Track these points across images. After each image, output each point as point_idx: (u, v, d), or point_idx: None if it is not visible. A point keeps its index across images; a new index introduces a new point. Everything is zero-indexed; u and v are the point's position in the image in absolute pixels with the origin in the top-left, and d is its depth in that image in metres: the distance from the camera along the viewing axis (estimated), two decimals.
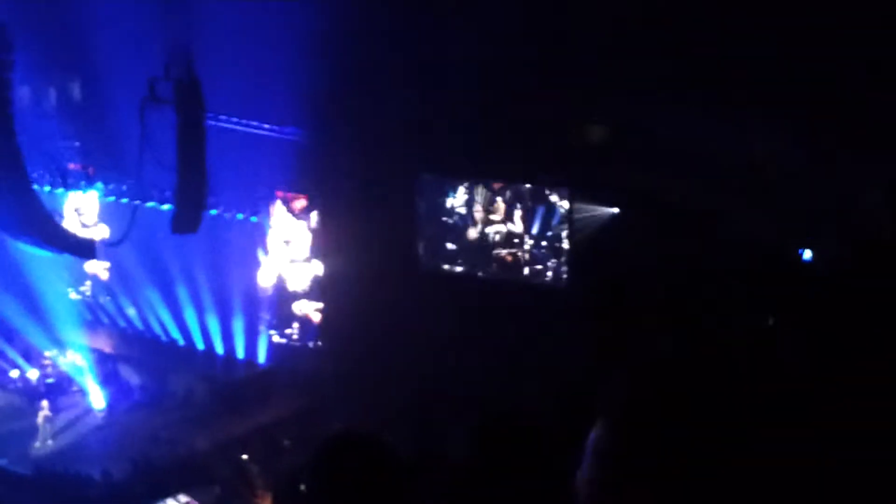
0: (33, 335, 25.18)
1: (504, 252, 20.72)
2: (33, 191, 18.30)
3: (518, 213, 20.39)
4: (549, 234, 20.04)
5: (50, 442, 21.84)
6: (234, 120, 21.04)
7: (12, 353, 25.09)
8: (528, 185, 20.18)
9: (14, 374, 24.68)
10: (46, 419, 22.01)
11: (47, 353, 25.37)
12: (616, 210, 19.14)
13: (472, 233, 21.02)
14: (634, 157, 17.87)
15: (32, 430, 22.03)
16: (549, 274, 20.20)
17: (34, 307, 24.99)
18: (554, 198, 19.87)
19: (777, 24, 13.92)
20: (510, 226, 20.58)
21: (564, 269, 19.97)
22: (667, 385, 2.91)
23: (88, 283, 26.27)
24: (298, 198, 22.74)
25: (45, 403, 22.25)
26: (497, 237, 20.75)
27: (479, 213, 20.89)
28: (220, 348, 24.47)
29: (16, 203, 17.33)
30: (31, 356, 25.19)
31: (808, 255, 13.11)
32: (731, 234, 15.32)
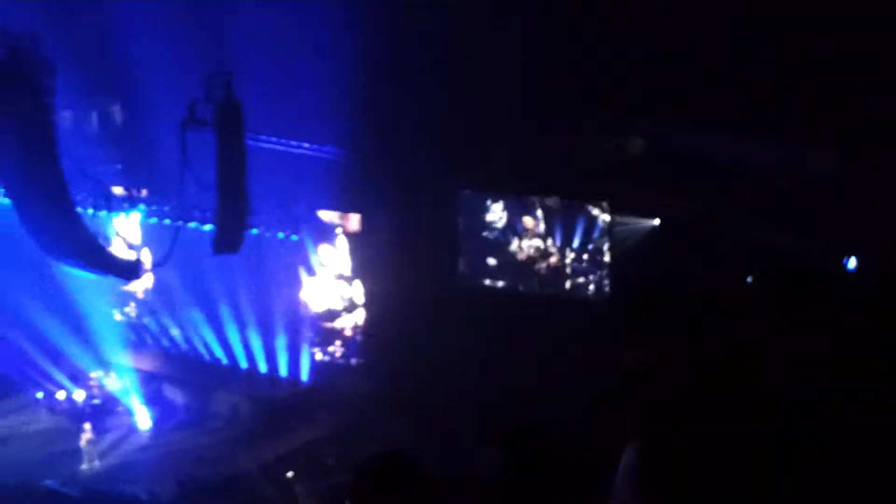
0: (79, 357, 25.42)
1: (543, 266, 20.68)
2: (77, 214, 18.48)
3: (558, 227, 20.33)
4: (591, 247, 19.98)
5: (96, 463, 22.00)
6: (274, 139, 21.17)
7: (59, 375, 25.34)
8: (567, 199, 20.11)
9: (61, 395, 24.93)
10: (89, 442, 22.15)
11: (93, 375, 25.60)
12: (657, 222, 19.02)
13: (513, 247, 21.00)
14: (673, 169, 17.77)
15: (79, 452, 22.22)
16: (591, 287, 20.12)
17: (79, 329, 25.24)
18: (594, 210, 19.80)
19: (806, 43, 13.85)
20: (549, 240, 20.53)
21: (606, 282, 19.88)
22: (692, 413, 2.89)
23: (132, 304, 26.49)
24: (339, 216, 22.81)
25: (87, 426, 22.41)
26: (532, 251, 20.71)
27: (519, 228, 20.86)
28: (263, 367, 24.56)
29: (60, 227, 17.51)
30: (78, 378, 25.43)
31: (852, 263, 12.97)
32: (771, 247, 15.21)
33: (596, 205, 19.75)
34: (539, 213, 20.59)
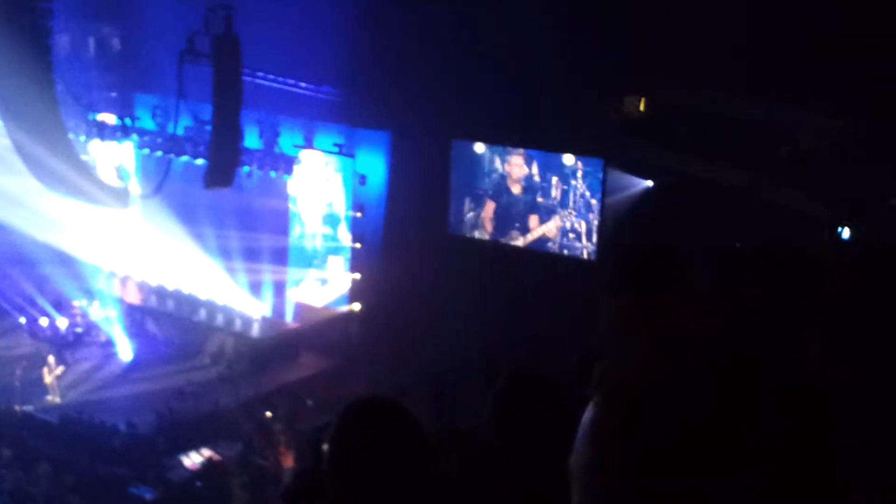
0: (64, 284, 25.35)
1: (533, 221, 20.58)
2: (69, 140, 18.40)
3: (553, 182, 20.19)
4: (581, 205, 19.85)
5: (59, 399, 21.87)
6: (271, 77, 20.97)
7: (42, 301, 25.28)
8: (561, 154, 19.97)
9: (44, 322, 24.89)
10: (56, 377, 22.04)
11: (76, 303, 25.57)
12: (650, 182, 18.94)
13: (503, 201, 20.88)
14: (670, 130, 17.67)
15: (59, 379, 22.26)
16: (579, 245, 20.05)
17: (66, 256, 25.13)
18: (587, 168, 19.66)
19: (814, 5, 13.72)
20: (539, 193, 20.42)
21: (594, 240, 19.80)
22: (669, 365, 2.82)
23: (119, 235, 26.30)
24: (330, 158, 22.65)
25: (51, 359, 22.24)
26: (522, 206, 20.65)
27: (509, 182, 20.74)
28: (248, 305, 24.54)
29: (51, 152, 17.42)
30: (61, 305, 25.39)
31: (846, 233, 12.93)
32: (768, 212, 15.15)
33: (590, 162, 19.60)
34: (534, 167, 20.43)
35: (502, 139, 20.62)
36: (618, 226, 19.06)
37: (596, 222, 19.63)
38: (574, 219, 19.94)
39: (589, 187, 19.66)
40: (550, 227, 20.32)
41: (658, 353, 3.06)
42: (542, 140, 19.99)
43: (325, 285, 23.66)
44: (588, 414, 3.02)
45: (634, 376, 2.88)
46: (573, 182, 19.85)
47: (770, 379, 3.02)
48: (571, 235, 20.04)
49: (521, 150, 20.53)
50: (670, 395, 2.72)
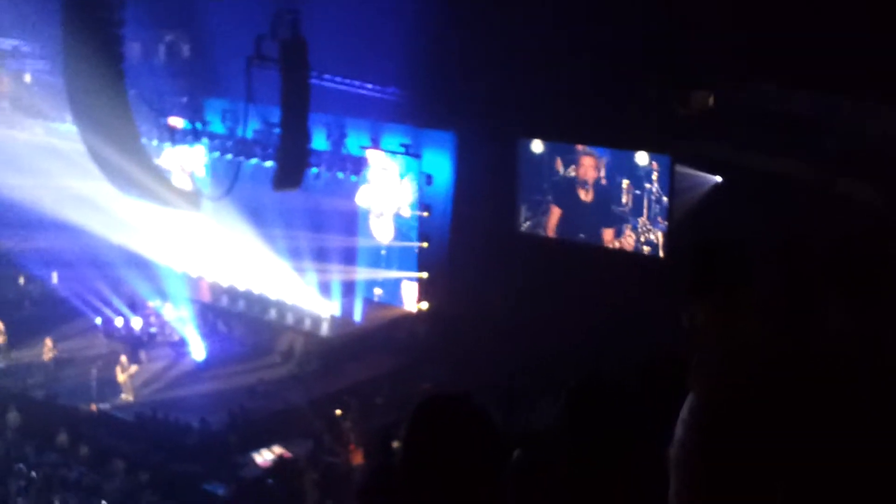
0: (138, 285, 25.80)
1: (608, 235, 20.34)
2: (142, 145, 18.75)
3: (623, 186, 19.94)
4: (657, 211, 19.56)
5: (132, 397, 22.28)
6: (338, 79, 21.14)
7: (117, 302, 25.76)
8: (633, 154, 19.76)
9: (118, 322, 25.38)
10: (129, 376, 22.44)
11: (151, 304, 26.02)
12: (718, 179, 18.73)
13: (570, 207, 20.69)
14: (738, 126, 17.45)
15: (134, 378, 22.67)
16: (647, 244, 19.85)
17: (139, 258, 25.56)
18: (656, 164, 19.45)
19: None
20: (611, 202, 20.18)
21: (663, 237, 19.59)
22: (756, 370, 2.88)
23: (191, 237, 26.68)
24: (396, 157, 22.73)
25: (123, 358, 22.68)
26: (591, 213, 20.41)
27: (578, 186, 20.54)
28: (317, 305, 24.76)
29: (125, 157, 17.76)
30: (136, 305, 25.86)
31: None
32: (839, 210, 14.92)
33: (658, 159, 19.38)
34: (602, 169, 20.19)
35: (567, 136, 20.52)
36: (690, 224, 18.83)
37: (665, 219, 19.44)
38: (650, 227, 19.66)
39: (663, 190, 19.38)
40: (623, 244, 20.05)
41: (742, 354, 3.14)
42: (608, 136, 19.84)
43: (395, 284, 23.75)
44: (687, 405, 3.10)
45: (727, 372, 2.97)
46: (647, 185, 19.59)
47: (853, 376, 3.07)
48: (647, 249, 19.72)
49: (592, 151, 20.37)
50: (760, 388, 2.82)
